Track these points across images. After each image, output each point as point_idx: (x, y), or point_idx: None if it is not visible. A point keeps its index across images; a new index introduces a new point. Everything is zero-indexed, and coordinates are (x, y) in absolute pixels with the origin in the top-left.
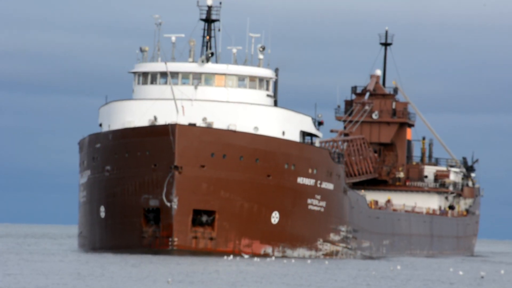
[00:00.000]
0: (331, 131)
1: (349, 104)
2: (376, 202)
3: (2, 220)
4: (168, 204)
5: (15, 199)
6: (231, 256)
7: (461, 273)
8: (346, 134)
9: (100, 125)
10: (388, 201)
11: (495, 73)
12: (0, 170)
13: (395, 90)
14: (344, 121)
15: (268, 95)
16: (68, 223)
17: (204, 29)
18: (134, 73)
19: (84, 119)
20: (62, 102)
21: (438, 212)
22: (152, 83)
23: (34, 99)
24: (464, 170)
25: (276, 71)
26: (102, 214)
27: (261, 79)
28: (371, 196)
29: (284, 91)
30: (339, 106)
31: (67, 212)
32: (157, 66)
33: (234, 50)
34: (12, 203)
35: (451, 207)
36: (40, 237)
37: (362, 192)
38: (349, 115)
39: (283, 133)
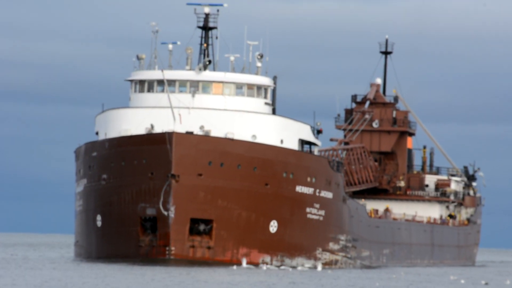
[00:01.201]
0: (331, 139)
1: (349, 112)
2: (377, 211)
3: (2, 229)
4: (165, 213)
5: (15, 208)
6: (240, 266)
7: (463, 281)
8: (346, 143)
9: (97, 133)
10: (387, 209)
11: (497, 83)
12: (1, 180)
13: (396, 98)
14: (344, 129)
15: (266, 103)
16: (68, 232)
17: (202, 37)
18: (131, 81)
19: (84, 128)
20: (61, 111)
21: (438, 221)
22: (149, 91)
23: (33, 108)
24: (465, 179)
25: (274, 79)
26: (99, 223)
27: (259, 87)
28: (371, 205)
29: (284, 101)
30: (339, 115)
31: (67, 221)
32: (154, 74)
33: (232, 58)
34: (12, 212)
35: (451, 216)
36: (37, 246)
37: (363, 201)
38: (349, 123)
39: (282, 141)
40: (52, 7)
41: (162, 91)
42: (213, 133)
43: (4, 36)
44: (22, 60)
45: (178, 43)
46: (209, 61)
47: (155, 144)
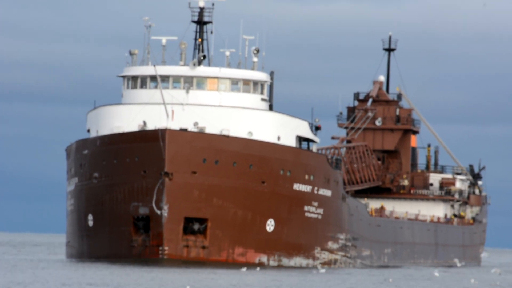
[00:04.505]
0: (333, 137)
1: (351, 110)
2: (378, 210)
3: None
4: (158, 212)
5: (13, 207)
6: (245, 268)
7: (472, 281)
8: (348, 141)
9: (88, 131)
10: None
11: (504, 83)
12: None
13: (399, 96)
14: (347, 128)
15: (262, 99)
16: (60, 231)
17: (196, 32)
18: (123, 77)
19: (77, 126)
20: (56, 110)
21: (442, 220)
22: (142, 87)
23: (28, 108)
24: (470, 177)
25: (271, 74)
26: (90, 223)
27: (255, 83)
28: (374, 204)
29: (284, 99)
30: (341, 113)
31: (59, 221)
32: (147, 70)
33: (227, 53)
34: (10, 211)
35: (456, 216)
36: (32, 246)
37: (365, 200)
38: (352, 121)
39: (279, 138)
40: (43, 7)
41: (155, 87)
42: (208, 130)
43: None
44: (12, 60)
45: (175, 38)
46: (204, 56)
47: (148, 142)
